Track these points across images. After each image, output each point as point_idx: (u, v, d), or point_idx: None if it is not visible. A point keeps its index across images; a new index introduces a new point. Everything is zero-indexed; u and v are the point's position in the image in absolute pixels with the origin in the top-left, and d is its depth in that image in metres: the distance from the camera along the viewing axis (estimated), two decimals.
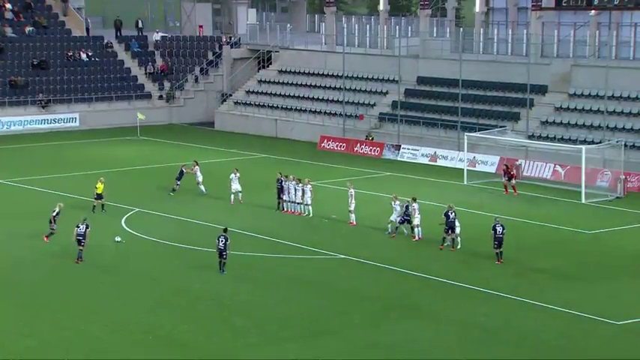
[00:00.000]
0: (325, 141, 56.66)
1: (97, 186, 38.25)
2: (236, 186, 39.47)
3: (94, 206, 37.71)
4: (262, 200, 39.85)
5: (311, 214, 37.12)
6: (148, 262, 31.40)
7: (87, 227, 30.35)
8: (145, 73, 69.05)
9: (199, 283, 29.06)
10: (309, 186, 37.55)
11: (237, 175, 39.85)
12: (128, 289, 28.37)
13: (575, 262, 31.51)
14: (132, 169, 49.38)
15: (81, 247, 30.36)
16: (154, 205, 39.72)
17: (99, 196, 38.05)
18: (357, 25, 65.21)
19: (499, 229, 30.94)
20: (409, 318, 25.93)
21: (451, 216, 32.59)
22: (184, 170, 41.41)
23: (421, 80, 57.49)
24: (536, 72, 50.87)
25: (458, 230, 32.71)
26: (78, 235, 30.28)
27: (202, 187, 41.26)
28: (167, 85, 68.99)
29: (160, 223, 36.70)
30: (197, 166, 41.94)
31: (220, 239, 29.89)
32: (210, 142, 58.70)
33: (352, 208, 35.99)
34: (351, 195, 35.97)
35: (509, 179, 42.41)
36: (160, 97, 68.26)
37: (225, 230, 30.48)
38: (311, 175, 46.08)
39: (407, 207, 33.70)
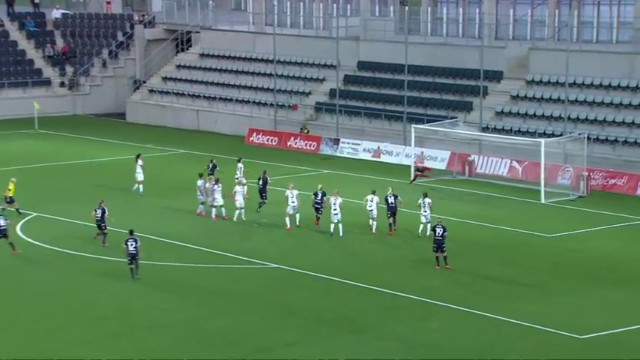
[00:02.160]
0: (254, 134, 56.70)
1: (9, 187, 37.78)
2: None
3: (3, 209, 37.04)
4: (181, 203, 39.69)
5: (236, 219, 37.10)
6: (46, 275, 31.01)
7: (103, 212, 33.27)
8: (43, 57, 68.02)
9: (107, 297, 28.85)
10: (239, 188, 37.55)
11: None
12: (22, 308, 27.96)
13: (533, 269, 32.19)
14: (28, 167, 48.66)
15: (105, 232, 33.57)
16: (54, 208, 39.22)
17: (10, 200, 37.48)
18: (289, 3, 65.40)
19: (439, 230, 31.41)
20: (348, 333, 26.15)
21: (390, 200, 34.60)
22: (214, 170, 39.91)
23: (362, 65, 57.95)
24: (490, 56, 51.73)
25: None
26: (97, 219, 33.52)
27: (141, 187, 41.07)
28: (69, 70, 68.08)
29: (61, 229, 36.26)
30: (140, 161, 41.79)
31: (130, 243, 29.95)
32: (120, 136, 58.17)
33: (291, 211, 36.09)
34: (291, 196, 36.08)
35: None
36: (62, 84, 67.32)
37: (131, 232, 30.48)
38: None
39: (319, 194, 36.34)
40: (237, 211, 37.00)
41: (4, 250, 33.43)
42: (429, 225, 35.02)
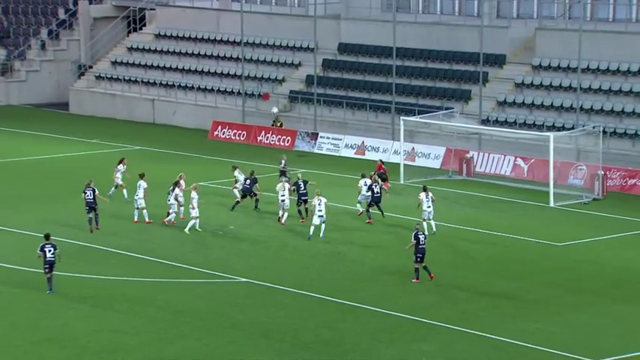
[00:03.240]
0: (219, 128, 56.87)
1: None
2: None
3: None
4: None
5: (192, 228, 37.22)
6: None
7: (94, 192, 35.16)
8: None
9: (47, 318, 28.89)
10: (194, 193, 37.51)
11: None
12: None
13: (540, 283, 32.56)
14: None
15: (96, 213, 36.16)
16: None
17: None
18: None
19: (422, 237, 31.85)
20: (331, 358, 26.41)
21: (373, 188, 37.27)
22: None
23: (344, 48, 58.24)
24: (491, 38, 52.15)
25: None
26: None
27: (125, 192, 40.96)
28: (2, 52, 67.90)
29: None
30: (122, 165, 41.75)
31: (47, 249, 30.32)
32: (63, 130, 58.13)
33: (317, 221, 36.48)
34: (318, 204, 36.51)
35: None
36: None
37: (47, 237, 30.84)
38: (201, 173, 46.32)
39: (301, 185, 38.68)
40: (193, 221, 37.00)
41: None
42: (432, 223, 36.16)
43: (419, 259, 31.83)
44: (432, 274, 31.98)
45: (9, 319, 28.84)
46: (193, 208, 36.91)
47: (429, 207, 36.62)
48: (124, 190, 40.85)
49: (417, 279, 31.84)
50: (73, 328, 28.10)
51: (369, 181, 39.04)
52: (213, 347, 26.94)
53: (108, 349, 26.74)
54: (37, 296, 30.64)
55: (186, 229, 36.92)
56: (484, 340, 27.52)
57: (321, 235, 36.33)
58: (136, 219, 38.17)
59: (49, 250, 30.39)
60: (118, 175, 41.34)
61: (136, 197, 38.30)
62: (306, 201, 38.47)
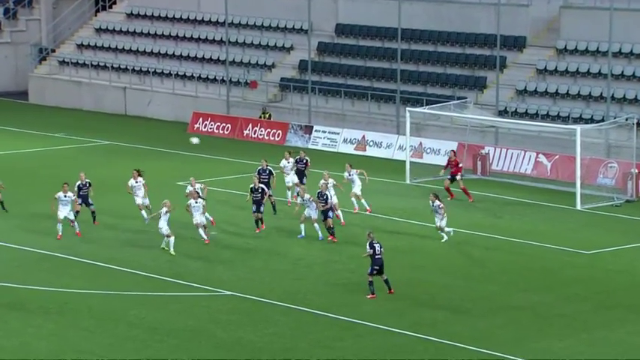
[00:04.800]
0: (200, 120, 56.93)
1: None
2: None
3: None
4: (107, 210, 39.82)
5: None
6: None
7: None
8: None
9: (2, 337, 28.86)
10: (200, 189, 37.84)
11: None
12: None
13: (566, 297, 32.59)
14: None
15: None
16: None
17: None
18: None
19: (378, 247, 31.69)
20: None
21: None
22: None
23: (342, 29, 58.28)
24: (509, 18, 52.20)
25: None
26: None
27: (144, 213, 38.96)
28: None
29: None
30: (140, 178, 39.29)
31: None
32: (21, 123, 58.09)
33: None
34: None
35: (453, 178, 43.13)
36: None
37: None
38: (179, 170, 46.31)
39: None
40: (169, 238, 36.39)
41: None
42: (449, 230, 36.56)
43: (375, 271, 31.66)
44: (391, 289, 31.79)
45: None
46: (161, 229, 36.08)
47: (440, 215, 36.78)
48: (143, 212, 38.92)
49: (373, 294, 31.64)
50: (32, 349, 28.04)
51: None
52: None
53: None
54: (19, 317, 30.56)
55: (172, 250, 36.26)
56: None
57: (320, 236, 36.63)
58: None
59: None
60: (140, 192, 38.85)
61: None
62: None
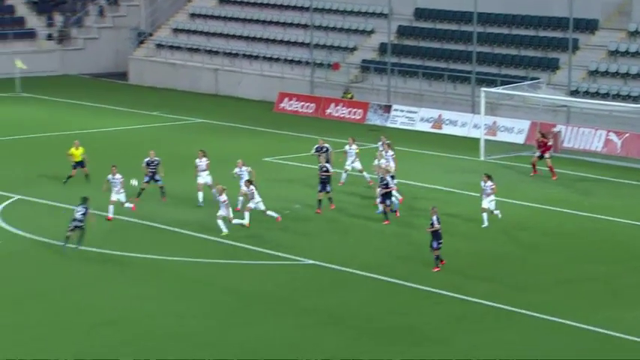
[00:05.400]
0: (285, 100, 56.77)
1: (72, 152, 39.99)
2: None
3: (70, 177, 39.35)
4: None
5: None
6: (28, 270, 31.24)
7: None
8: (27, 2, 68.48)
9: (108, 300, 28.99)
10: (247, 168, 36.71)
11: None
12: (2, 313, 28.20)
13: (636, 268, 31.93)
14: (8, 140, 49.11)
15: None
16: (41, 190, 39.44)
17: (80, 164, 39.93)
18: None
19: (435, 221, 30.83)
20: (404, 345, 26.09)
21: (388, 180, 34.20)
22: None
23: (420, 13, 57.75)
24: (582, 1, 51.26)
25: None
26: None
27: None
28: (59, 19, 68.48)
29: (50, 216, 36.52)
30: (204, 158, 37.78)
31: (78, 210, 32.44)
32: (122, 102, 58.53)
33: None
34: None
35: (542, 156, 42.35)
36: (49, 36, 67.77)
37: (83, 200, 32.42)
38: (266, 147, 46.21)
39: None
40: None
41: None
42: (497, 213, 34.96)
43: (440, 245, 30.89)
44: (443, 261, 31.00)
45: (72, 299, 29.00)
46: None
47: (490, 197, 34.93)
48: (200, 193, 37.47)
49: (437, 267, 30.93)
50: (135, 311, 28.13)
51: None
52: (278, 333, 26.75)
53: (171, 332, 26.68)
54: (102, 276, 30.77)
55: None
56: (572, 330, 26.97)
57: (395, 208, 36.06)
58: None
59: (79, 212, 32.22)
60: (202, 172, 37.48)
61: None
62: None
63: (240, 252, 33.22)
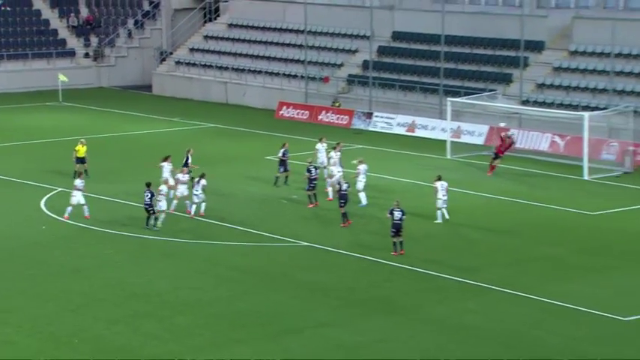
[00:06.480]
0: (284, 108, 56.56)
1: (77, 148, 39.35)
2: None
3: (76, 172, 37.84)
4: (209, 178, 39.62)
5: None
6: (72, 252, 31.16)
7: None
8: (68, 26, 68.23)
9: (134, 276, 28.94)
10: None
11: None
12: (48, 285, 28.15)
13: (577, 249, 31.86)
14: (52, 142, 48.92)
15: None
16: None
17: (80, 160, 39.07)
18: None
19: (397, 214, 30.40)
20: (381, 314, 26.04)
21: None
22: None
23: (397, 36, 57.52)
24: (531, 26, 51.16)
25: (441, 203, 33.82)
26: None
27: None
28: (94, 40, 68.21)
29: (86, 204, 36.38)
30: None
31: (146, 194, 32.67)
32: (146, 109, 58.28)
33: (360, 187, 35.86)
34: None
35: (497, 156, 42.07)
36: (86, 54, 67.52)
37: (147, 185, 32.79)
38: (268, 148, 46.08)
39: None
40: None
41: (30, 227, 33.67)
42: (445, 211, 34.01)
43: (392, 234, 30.37)
44: (402, 250, 30.34)
45: (102, 277, 28.95)
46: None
47: (444, 196, 33.89)
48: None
49: (395, 252, 30.35)
50: (157, 285, 28.07)
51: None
52: (278, 304, 26.72)
53: (187, 302, 26.64)
54: (126, 257, 30.71)
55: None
56: (524, 301, 26.93)
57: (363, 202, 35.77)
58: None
59: (147, 196, 32.61)
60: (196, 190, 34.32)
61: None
62: (315, 187, 35.80)
63: (246, 235, 33.13)
